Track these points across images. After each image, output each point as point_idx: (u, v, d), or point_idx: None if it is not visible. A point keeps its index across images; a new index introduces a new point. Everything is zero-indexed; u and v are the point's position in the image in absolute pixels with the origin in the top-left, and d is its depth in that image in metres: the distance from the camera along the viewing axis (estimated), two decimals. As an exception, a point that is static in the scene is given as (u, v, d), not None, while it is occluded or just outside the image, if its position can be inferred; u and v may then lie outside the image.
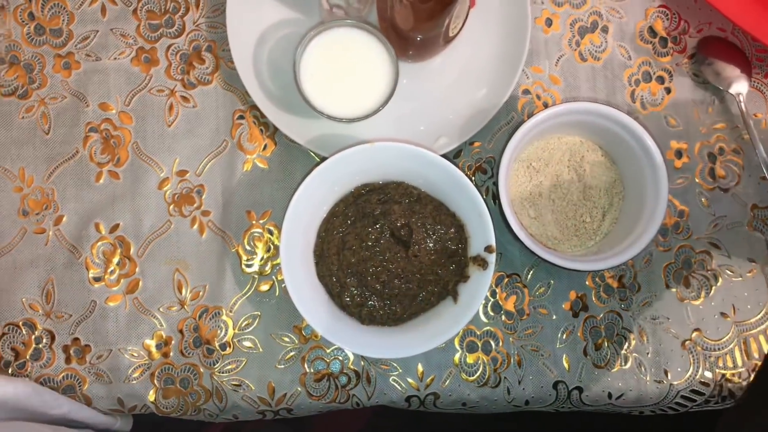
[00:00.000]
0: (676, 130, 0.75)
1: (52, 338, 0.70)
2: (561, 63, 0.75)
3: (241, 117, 0.73)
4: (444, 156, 0.69)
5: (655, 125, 0.74)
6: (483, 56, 0.72)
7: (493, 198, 0.73)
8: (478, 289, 0.65)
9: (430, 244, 0.68)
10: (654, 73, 0.75)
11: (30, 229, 0.70)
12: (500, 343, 0.71)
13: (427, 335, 0.65)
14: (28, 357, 0.69)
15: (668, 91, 0.75)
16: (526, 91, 0.74)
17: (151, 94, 0.73)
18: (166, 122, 0.72)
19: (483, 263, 0.65)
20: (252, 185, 0.72)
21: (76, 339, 0.70)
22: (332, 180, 0.67)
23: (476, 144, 0.74)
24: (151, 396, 0.69)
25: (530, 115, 0.73)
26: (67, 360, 0.69)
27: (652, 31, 0.75)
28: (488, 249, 0.65)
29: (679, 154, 0.74)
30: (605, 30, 0.75)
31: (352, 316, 0.68)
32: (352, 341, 0.65)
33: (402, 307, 0.67)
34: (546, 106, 0.74)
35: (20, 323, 0.70)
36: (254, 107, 0.71)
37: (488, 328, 0.71)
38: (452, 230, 0.68)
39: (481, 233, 0.66)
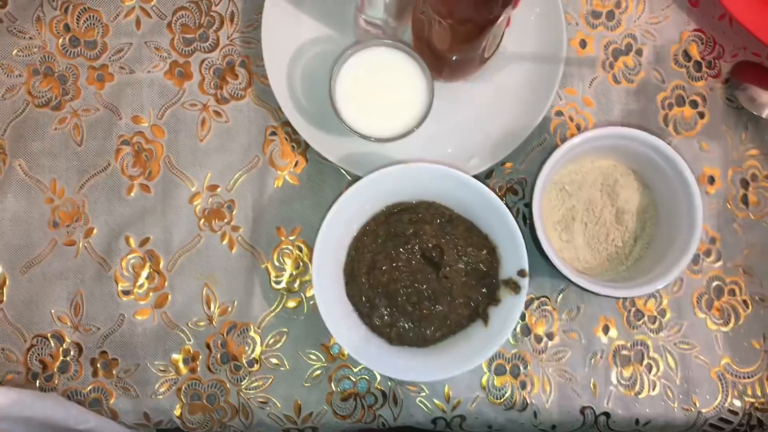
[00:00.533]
0: (709, 155, 0.74)
1: (80, 351, 0.70)
2: (594, 85, 0.74)
3: (273, 133, 0.72)
4: (476, 177, 0.68)
5: (688, 150, 0.74)
6: (517, 77, 0.72)
7: (523, 220, 0.73)
8: (510, 313, 0.64)
9: (461, 266, 0.67)
10: (688, 97, 0.75)
11: (60, 240, 0.71)
12: (528, 367, 0.71)
13: (457, 358, 0.65)
14: (55, 369, 0.69)
15: (701, 115, 0.74)
16: (559, 113, 0.74)
17: (183, 108, 0.72)
18: (199, 137, 0.72)
19: (515, 287, 0.65)
20: (282, 202, 0.72)
21: (104, 352, 0.70)
22: (364, 199, 0.67)
23: (508, 165, 0.73)
24: (177, 411, 0.69)
25: (563, 137, 0.73)
26: (95, 373, 0.69)
27: (687, 55, 0.75)
28: (521, 273, 0.65)
29: (711, 179, 0.74)
30: (639, 53, 0.75)
31: (381, 336, 0.67)
32: (381, 362, 0.64)
33: (432, 328, 0.67)
34: (579, 128, 0.74)
35: (48, 335, 0.70)
36: (286, 123, 0.71)
37: (517, 350, 0.71)
38: (484, 252, 0.67)
39: (514, 256, 0.65)
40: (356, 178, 0.71)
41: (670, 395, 0.71)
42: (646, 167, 0.69)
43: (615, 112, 0.74)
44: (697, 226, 0.66)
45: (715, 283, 0.72)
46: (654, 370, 0.71)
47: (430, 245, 0.67)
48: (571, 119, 0.74)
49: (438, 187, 0.67)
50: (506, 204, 0.70)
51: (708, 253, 0.73)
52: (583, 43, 0.75)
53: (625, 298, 0.71)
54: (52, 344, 0.70)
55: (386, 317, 0.67)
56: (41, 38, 0.72)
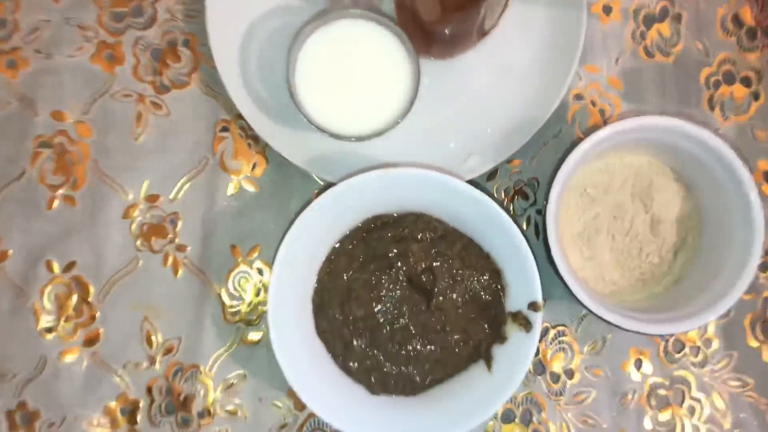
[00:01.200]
0: (766, 146, 0.60)
1: (-6, 402, 0.57)
2: (622, 61, 0.60)
3: (225, 128, 0.59)
4: (475, 179, 0.55)
5: (739, 139, 0.60)
6: (526, 53, 0.58)
7: (535, 231, 0.59)
8: (520, 356, 0.51)
9: (457, 295, 0.54)
10: (738, 74, 0.60)
11: (-34, 267, 0.58)
12: (543, 412, 0.58)
13: (456, 413, 0.52)
14: (-37, 425, 0.57)
15: (756, 96, 0.60)
16: (579, 96, 0.60)
17: (114, 99, 0.59)
18: (133, 135, 0.59)
19: (525, 323, 0.52)
20: (238, 214, 0.58)
21: (23, 403, 0.57)
22: (337, 212, 0.54)
23: (515, 162, 0.59)
24: (114, 474, 0.57)
25: (583, 127, 0.59)
26: (12, 428, 0.57)
27: (738, 21, 0.60)
28: (533, 306, 0.51)
29: (768, 176, 0.60)
30: (677, 19, 0.60)
31: (359, 382, 0.54)
32: (358, 422, 0.51)
33: (422, 372, 0.54)
34: (603, 114, 0.60)
35: (-46, 383, 0.57)
36: (240, 116, 0.58)
37: (528, 392, 0.58)
38: (486, 276, 0.54)
39: (524, 284, 0.52)
40: (328, 185, 0.57)
41: (717, 443, 0.58)
42: (689, 166, 0.56)
43: (648, 95, 0.60)
44: (756, 236, 0.52)
45: (773, 305, 0.59)
46: (697, 413, 0.58)
47: (418, 269, 0.54)
48: (594, 104, 0.60)
49: (428, 197, 0.54)
50: (514, 211, 0.57)
51: (764, 267, 0.59)
52: (607, 9, 0.60)
53: (662, 329, 0.58)
54: (-40, 394, 0.57)
55: (365, 360, 0.54)
56: (-64, 16, 0.59)
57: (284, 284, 0.53)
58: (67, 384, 0.57)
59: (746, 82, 0.60)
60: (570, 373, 0.58)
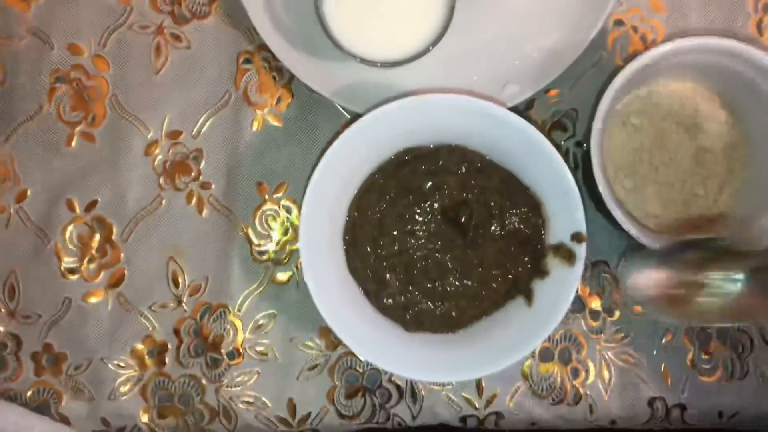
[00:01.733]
0: (817, 73, 0.57)
1: (19, 344, 0.56)
2: (666, -17, 0.57)
3: (248, 60, 0.56)
4: (512, 109, 0.52)
5: (789, 66, 0.57)
6: (565, -24, 0.55)
7: (574, 163, 0.57)
8: (563, 290, 0.49)
9: (496, 228, 0.52)
10: (789, -4, 0.57)
11: (-15, 207, 0.56)
12: (582, 351, 0.56)
13: (494, 349, 0.50)
14: (-11, 368, 0.56)
15: (808, 19, 0.57)
16: (619, 22, 0.57)
17: (132, 31, 0.56)
18: (153, 69, 0.56)
19: (569, 256, 0.50)
20: (263, 150, 0.56)
21: (48, 345, 0.56)
22: (367, 144, 0.51)
23: (553, 92, 0.57)
24: (144, 416, 0.56)
25: (624, 54, 0.57)
26: (38, 371, 0.56)
27: (790, -63, 0.57)
28: (576, 237, 0.49)
29: (820, 104, 0.57)
30: (724, -65, 0.57)
31: (395, 320, 0.52)
32: (396, 359, 0.50)
33: (459, 309, 0.52)
34: (645, 41, 0.57)
35: (-23, 327, 0.56)
36: (264, 47, 0.55)
37: (567, 330, 0.56)
38: (525, 209, 0.52)
39: (566, 215, 0.50)
40: (356, 117, 0.55)
41: (763, 380, 0.56)
42: (738, 90, 0.53)
43: (691, 19, 0.57)
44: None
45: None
46: (741, 349, 0.56)
47: (454, 202, 0.52)
48: (635, 30, 0.57)
49: (464, 126, 0.51)
50: (553, 144, 0.54)
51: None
52: (649, -72, 0.57)
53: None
54: (-17, 337, 0.56)
55: (399, 296, 0.52)
56: (-57, -54, 0.56)
57: (315, 221, 0.51)
58: (93, 326, 0.56)
59: (798, 4, 0.57)
60: (610, 311, 0.56)
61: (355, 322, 0.51)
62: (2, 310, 0.56)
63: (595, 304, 0.56)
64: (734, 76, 0.51)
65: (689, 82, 0.54)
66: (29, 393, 0.56)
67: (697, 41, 0.50)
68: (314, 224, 0.50)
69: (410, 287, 0.52)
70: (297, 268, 0.56)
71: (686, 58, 0.51)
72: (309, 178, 0.50)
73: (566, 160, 0.56)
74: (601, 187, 0.49)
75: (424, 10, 0.49)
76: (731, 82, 0.52)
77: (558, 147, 0.56)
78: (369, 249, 0.52)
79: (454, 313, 0.52)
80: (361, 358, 0.56)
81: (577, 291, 0.55)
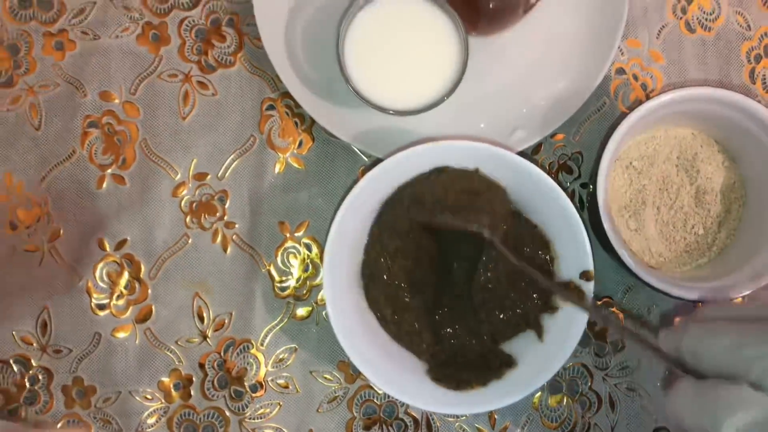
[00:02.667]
0: (807, 118, 0.60)
1: (50, 378, 0.58)
2: (663, 35, 0.60)
3: (271, 107, 0.59)
4: (521, 153, 0.55)
5: (780, 111, 0.60)
6: (569, 28, 0.58)
7: (580, 203, 0.60)
8: (572, 326, 0.52)
9: (506, 266, 0.55)
10: (780, 46, 0.61)
11: (20, 246, 0.58)
12: (589, 382, 0.59)
13: (508, 382, 0.52)
14: (21, 401, 0.58)
15: (797, 68, 0.61)
16: (621, 71, 0.60)
17: (161, 79, 0.59)
18: (181, 114, 0.59)
19: (577, 293, 0.52)
20: (285, 190, 0.59)
21: (78, 378, 0.58)
22: (385, 186, 0.54)
23: (559, 137, 0.60)
24: (169, 447, 0.58)
25: (626, 101, 0.60)
26: (68, 404, 0.58)
27: (779, -6, 0.61)
28: (585, 275, 0.52)
29: (810, 147, 0.60)
30: (718, -8, 0.61)
31: (412, 353, 0.55)
32: (412, 392, 0.52)
33: (473, 343, 0.55)
34: (645, 88, 0.60)
35: (11, 360, 0.58)
36: (286, 95, 0.58)
37: (575, 363, 0.59)
38: (535, 247, 0.55)
39: (575, 254, 0.53)
40: (373, 160, 0.58)
41: None
42: (733, 136, 0.56)
43: (689, 69, 0.60)
44: (802, 208, 0.53)
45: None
46: (742, 381, 0.58)
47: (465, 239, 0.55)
48: (636, 78, 0.60)
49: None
50: (560, 186, 0.57)
51: (806, 238, 0.60)
52: (648, -17, 0.61)
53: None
54: (16, 371, 0.58)
55: (415, 332, 0.55)
56: (-16, -1, 0.59)
57: (337, 259, 0.53)
58: (121, 360, 0.58)
59: (787, 54, 0.61)
60: (616, 344, 0.59)
61: (373, 355, 0.53)
62: (34, 344, 0.58)
63: (601, 337, 0.59)
64: (729, 123, 0.55)
65: (688, 128, 0.57)
66: (59, 424, 0.58)
67: (694, 92, 0.53)
68: (336, 262, 0.53)
69: (425, 323, 0.55)
70: (317, 303, 0.59)
71: (684, 106, 0.54)
72: (331, 218, 0.52)
73: (573, 201, 0.59)
74: (607, 227, 0.52)
75: (439, 64, 0.53)
76: (727, 128, 0.56)
77: (564, 188, 0.59)
78: (383, 285, 0.55)
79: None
80: (379, 391, 0.58)
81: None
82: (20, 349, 0.58)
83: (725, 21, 0.61)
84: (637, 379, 0.59)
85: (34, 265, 0.58)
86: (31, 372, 0.58)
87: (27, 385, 0.58)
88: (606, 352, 0.59)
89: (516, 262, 0.51)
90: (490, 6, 0.53)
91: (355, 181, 0.57)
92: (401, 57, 0.53)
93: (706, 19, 0.61)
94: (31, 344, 0.58)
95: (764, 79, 0.60)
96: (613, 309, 0.59)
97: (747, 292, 0.53)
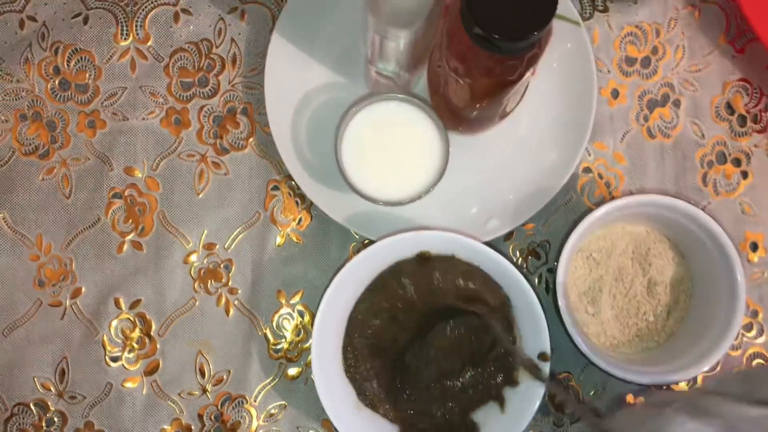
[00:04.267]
0: (753, 219, 0.67)
1: (65, 421, 0.65)
2: (627, 139, 0.68)
3: (276, 187, 0.67)
4: (494, 240, 0.63)
5: (729, 212, 0.67)
6: (542, 131, 0.66)
7: (545, 287, 0.67)
8: (530, 399, 0.59)
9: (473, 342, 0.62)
10: (729, 155, 0.68)
11: (45, 301, 0.66)
12: (548, 449, 0.65)
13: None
14: (37, 441, 0.65)
15: (745, 175, 0.68)
16: (588, 170, 0.68)
17: (180, 158, 0.67)
18: (196, 190, 0.67)
19: (536, 371, 0.59)
20: (284, 262, 0.66)
21: (90, 423, 0.65)
22: (371, 267, 0.62)
23: (529, 226, 0.67)
24: (167, 489, 0.64)
25: (590, 196, 0.67)
26: (79, 446, 0.65)
27: (730, 108, 0.68)
28: (542, 357, 0.59)
29: (754, 246, 0.67)
30: (677, 104, 0.68)
31: (388, 421, 0.62)
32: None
33: (440, 412, 0.62)
34: (608, 186, 0.68)
35: (31, 404, 0.65)
36: (289, 177, 0.66)
37: (535, 431, 0.65)
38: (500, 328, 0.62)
39: (535, 336, 0.59)
40: (363, 239, 0.66)
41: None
42: (682, 236, 0.63)
43: (649, 170, 0.68)
44: (739, 303, 0.60)
45: (755, 362, 0.66)
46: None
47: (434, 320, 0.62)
48: (601, 177, 0.68)
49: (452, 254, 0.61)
50: (527, 269, 0.65)
51: (748, 327, 0.66)
52: (615, 93, 0.68)
53: (655, 379, 0.65)
54: (35, 413, 0.65)
55: (385, 403, 0.62)
56: (29, 81, 0.67)
57: (325, 329, 0.60)
58: (129, 408, 0.65)
59: (736, 162, 0.68)
60: (572, 416, 0.65)
61: (351, 417, 0.60)
62: (52, 390, 0.65)
63: (560, 409, 0.65)
64: (679, 226, 0.62)
65: (643, 226, 0.64)
66: (70, 464, 0.64)
67: (649, 198, 0.60)
68: (324, 332, 0.60)
69: (394, 396, 0.61)
70: (306, 365, 0.66)
71: (641, 209, 0.61)
72: (323, 290, 0.59)
73: (539, 284, 0.66)
74: (563, 311, 0.59)
75: (423, 161, 0.60)
76: (677, 230, 0.63)
77: (532, 273, 0.66)
78: (356, 356, 0.62)
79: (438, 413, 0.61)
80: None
81: (543, 396, 0.64)
82: (40, 393, 0.65)
83: (683, 129, 0.68)
84: (591, 449, 0.65)
85: (57, 319, 0.66)
86: (48, 415, 0.65)
87: (44, 426, 0.65)
88: (563, 423, 0.65)
89: (509, 346, 0.58)
90: (471, 115, 0.61)
91: (347, 259, 0.64)
92: (390, 154, 0.61)
93: (666, 127, 0.68)
94: (50, 390, 0.65)
95: (715, 183, 0.68)
96: (572, 383, 0.65)
97: (689, 377, 0.59)
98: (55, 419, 0.65)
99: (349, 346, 0.62)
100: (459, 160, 0.64)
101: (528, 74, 0.53)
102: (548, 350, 0.59)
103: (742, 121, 0.68)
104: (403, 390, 0.61)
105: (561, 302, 0.59)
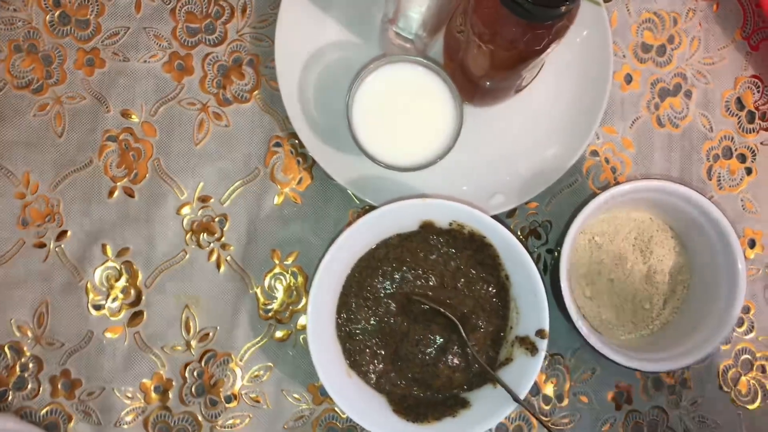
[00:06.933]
0: (753, 216, 0.67)
1: (40, 367, 0.62)
2: (636, 126, 0.67)
3: (278, 144, 0.65)
4: (497, 215, 0.62)
5: (730, 207, 0.67)
6: (554, 110, 0.65)
7: (544, 267, 0.66)
8: (524, 377, 0.58)
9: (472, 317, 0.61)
10: (736, 150, 0.68)
11: (29, 241, 0.63)
12: (533, 430, 0.64)
13: (462, 421, 0.58)
14: (10, 385, 0.62)
15: (749, 171, 0.68)
16: (595, 153, 0.67)
17: (180, 105, 0.65)
18: (194, 140, 0.65)
19: (532, 348, 0.58)
20: (281, 221, 0.64)
21: (66, 371, 0.62)
22: (372, 232, 0.60)
23: (532, 205, 0.66)
24: (143, 444, 0.62)
25: (595, 180, 0.66)
26: (54, 393, 0.62)
27: (740, 103, 0.68)
28: (540, 333, 0.58)
29: (752, 243, 0.67)
30: (688, 95, 0.68)
31: (379, 392, 0.61)
32: (376, 420, 0.58)
33: (434, 388, 0.61)
34: (614, 171, 0.67)
35: (6, 347, 0.62)
36: (293, 135, 0.64)
37: (522, 410, 0.64)
38: (498, 302, 0.61)
39: (533, 313, 0.59)
40: (363, 204, 0.64)
41: (683, 474, 0.65)
42: (685, 224, 0.63)
43: (655, 158, 0.67)
44: (738, 298, 0.60)
45: (744, 357, 0.66)
46: (669, 444, 0.65)
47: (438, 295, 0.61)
48: (607, 161, 0.67)
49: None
50: (527, 249, 0.63)
51: (740, 323, 0.67)
52: (628, 78, 0.68)
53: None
54: (9, 357, 0.62)
55: (381, 375, 0.61)
56: (27, 11, 0.64)
57: (321, 293, 0.59)
58: (109, 358, 0.63)
59: (741, 158, 0.68)
60: (561, 398, 0.65)
61: (341, 383, 0.59)
62: (29, 334, 0.62)
63: (548, 390, 0.65)
64: (683, 214, 0.62)
65: (647, 213, 0.64)
66: (43, 412, 0.62)
67: (656, 184, 0.60)
68: (320, 296, 0.59)
69: (390, 368, 0.60)
70: (296, 328, 0.64)
71: (646, 195, 0.61)
72: (318, 250, 0.58)
73: (537, 264, 0.65)
74: (565, 293, 0.58)
75: (435, 129, 0.59)
76: (680, 218, 0.62)
77: (532, 252, 0.65)
78: (353, 322, 0.60)
79: (429, 392, 0.61)
80: (342, 415, 0.63)
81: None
82: (15, 337, 0.62)
83: (692, 121, 0.68)
84: (575, 430, 0.65)
85: (40, 261, 0.63)
86: (23, 360, 0.62)
87: (18, 371, 0.62)
88: (551, 403, 0.65)
89: (473, 352, 0.58)
90: (487, 85, 0.60)
91: (348, 224, 0.62)
92: (402, 118, 0.59)
93: (676, 117, 0.68)
94: (27, 334, 0.62)
95: (719, 177, 0.67)
96: (563, 365, 0.65)
97: (677, 367, 0.59)
98: (30, 365, 0.62)
99: (345, 305, 0.60)
100: (469, 132, 0.63)
101: (552, 47, 0.52)
102: (546, 327, 0.58)
103: (751, 117, 0.68)
104: (396, 360, 0.60)
105: (563, 283, 0.58)
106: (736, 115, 0.68)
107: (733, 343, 0.66)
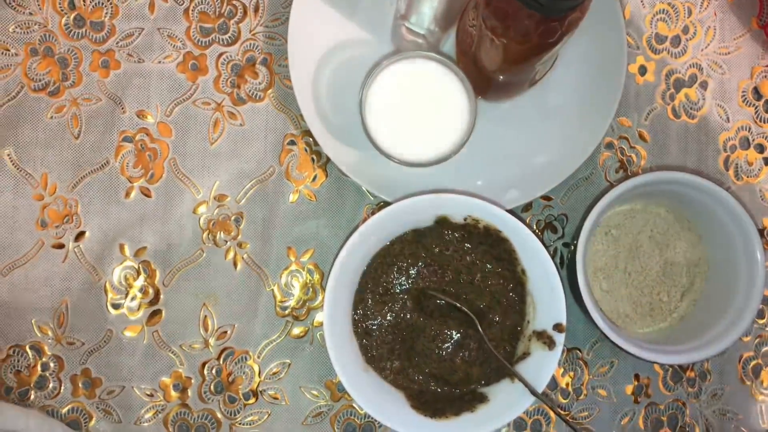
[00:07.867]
0: (771, 207, 0.67)
1: (61, 366, 0.63)
2: (651, 117, 0.67)
3: (292, 142, 0.65)
4: (512, 210, 0.61)
5: (747, 198, 0.67)
6: (568, 103, 0.64)
7: (560, 261, 0.66)
8: (542, 371, 0.58)
9: (489, 313, 0.61)
10: (753, 140, 0.67)
11: (48, 242, 0.64)
12: (551, 424, 0.64)
13: (480, 416, 0.58)
14: (32, 385, 0.63)
15: (767, 161, 0.67)
16: (610, 145, 0.67)
17: (195, 105, 0.65)
18: (209, 139, 0.65)
19: (550, 342, 0.58)
20: (296, 219, 0.65)
21: (87, 370, 0.63)
22: (388, 227, 0.60)
23: (548, 198, 0.66)
24: (163, 442, 0.63)
25: (610, 173, 0.66)
26: (75, 392, 0.63)
27: (757, 93, 0.67)
28: (558, 328, 0.58)
29: (771, 234, 0.67)
30: (704, 86, 0.67)
31: (396, 388, 0.61)
32: (394, 415, 0.58)
33: (451, 384, 0.61)
34: (630, 163, 0.67)
35: (27, 347, 0.63)
36: (307, 133, 0.64)
37: (540, 405, 0.64)
38: (515, 297, 0.61)
39: (551, 307, 0.59)
40: (378, 201, 0.64)
41: (704, 467, 0.64)
42: (703, 216, 0.62)
43: (671, 150, 0.67)
44: (757, 289, 0.60)
45: (765, 348, 0.66)
46: (688, 437, 0.65)
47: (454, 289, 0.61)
48: (622, 153, 0.67)
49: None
50: (543, 243, 0.63)
51: (760, 314, 0.66)
52: (642, 70, 0.67)
53: (665, 360, 0.65)
54: (30, 356, 0.63)
55: (398, 371, 0.61)
56: (42, 14, 0.65)
57: (337, 289, 0.59)
58: (128, 357, 0.63)
59: (759, 148, 0.67)
60: (579, 391, 0.65)
61: (359, 379, 0.59)
62: (50, 334, 0.63)
63: (566, 383, 0.65)
64: (700, 206, 0.61)
65: (664, 205, 0.64)
66: (64, 410, 0.63)
67: (672, 175, 0.59)
68: (337, 290, 0.59)
69: (407, 363, 0.60)
70: (312, 325, 0.64)
71: (663, 186, 0.61)
72: (334, 247, 0.58)
73: (554, 258, 0.65)
74: (582, 286, 0.58)
75: (448, 124, 0.59)
76: (698, 210, 0.62)
77: (548, 246, 0.65)
78: (370, 320, 0.61)
79: (447, 387, 0.61)
80: (360, 411, 0.63)
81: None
82: (36, 337, 0.63)
83: (708, 111, 0.67)
84: (594, 425, 0.64)
85: (59, 262, 0.64)
86: (44, 359, 0.63)
87: (39, 371, 0.63)
88: (569, 397, 0.64)
89: (490, 347, 0.58)
90: (500, 79, 0.59)
91: (363, 220, 0.62)
92: (415, 114, 0.59)
93: (691, 108, 0.67)
94: (47, 334, 0.63)
95: (737, 167, 0.67)
96: (581, 359, 0.65)
97: (697, 359, 0.59)
98: (51, 364, 0.63)
99: (361, 301, 0.61)
100: (484, 128, 0.63)
101: (565, 39, 0.52)
102: (564, 321, 0.58)
103: (768, 107, 0.67)
104: (413, 355, 0.60)
105: (580, 277, 0.58)
106: (753, 105, 0.67)
107: (754, 335, 0.66)
